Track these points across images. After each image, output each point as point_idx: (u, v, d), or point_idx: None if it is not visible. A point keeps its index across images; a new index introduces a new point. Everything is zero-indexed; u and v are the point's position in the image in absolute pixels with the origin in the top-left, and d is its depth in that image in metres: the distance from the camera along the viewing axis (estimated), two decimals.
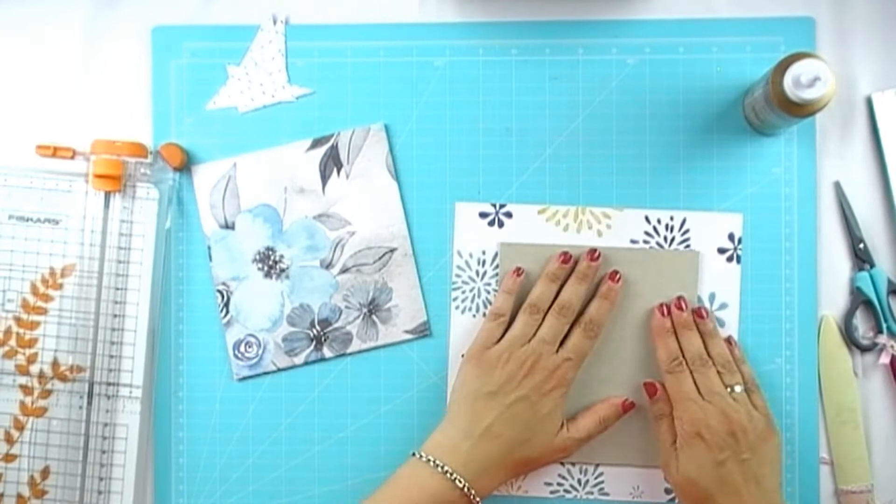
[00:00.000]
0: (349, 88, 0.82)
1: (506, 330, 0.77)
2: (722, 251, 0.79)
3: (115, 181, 0.81)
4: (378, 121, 0.82)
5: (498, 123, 0.82)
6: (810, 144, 0.81)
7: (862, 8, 0.82)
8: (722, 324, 0.79)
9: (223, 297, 0.82)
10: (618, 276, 0.78)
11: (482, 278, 0.80)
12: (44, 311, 0.81)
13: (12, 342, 0.81)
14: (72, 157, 0.80)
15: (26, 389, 0.81)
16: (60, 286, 0.81)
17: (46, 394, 0.81)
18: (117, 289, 0.81)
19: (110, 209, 0.81)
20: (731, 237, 0.79)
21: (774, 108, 0.73)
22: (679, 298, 0.78)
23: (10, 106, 0.84)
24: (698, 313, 0.78)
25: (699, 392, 0.75)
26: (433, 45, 0.82)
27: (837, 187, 0.81)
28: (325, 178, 0.82)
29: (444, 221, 0.82)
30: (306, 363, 0.82)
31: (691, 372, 0.76)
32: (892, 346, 0.80)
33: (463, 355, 0.79)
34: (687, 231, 0.79)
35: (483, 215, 0.80)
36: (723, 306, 0.79)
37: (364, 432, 0.81)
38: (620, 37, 0.82)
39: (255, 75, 0.82)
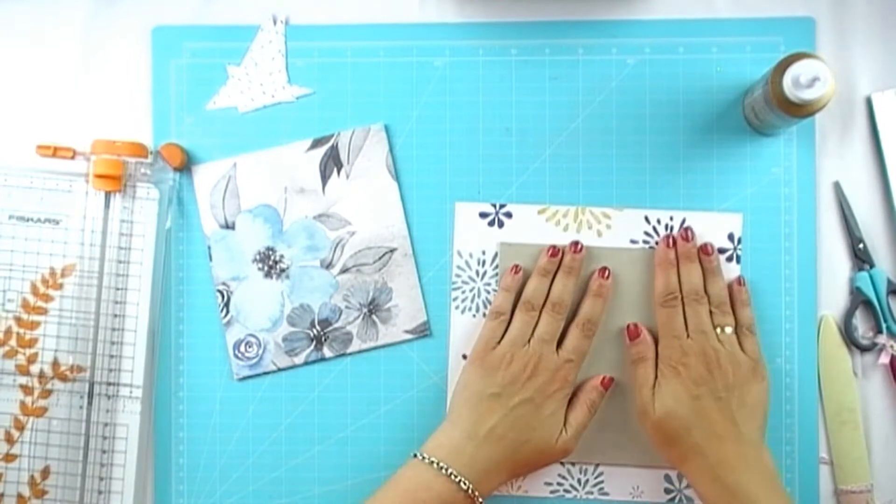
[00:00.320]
0: (349, 88, 0.82)
1: (507, 329, 0.78)
2: (722, 251, 0.79)
3: (116, 181, 0.81)
4: (378, 121, 0.82)
5: (498, 123, 0.82)
6: (810, 144, 0.81)
7: (862, 8, 0.82)
8: None
9: (223, 297, 0.82)
10: (607, 272, 0.78)
11: (482, 278, 0.80)
12: (44, 311, 0.81)
13: (12, 342, 0.81)
14: (72, 157, 0.80)
15: (26, 389, 0.81)
16: (60, 286, 0.81)
17: (46, 394, 0.81)
18: (117, 289, 0.81)
19: (110, 209, 0.81)
20: (730, 237, 0.79)
21: (774, 109, 0.73)
22: (686, 229, 0.79)
23: (10, 106, 0.84)
24: (704, 249, 0.78)
25: (686, 329, 0.76)
26: (433, 45, 0.82)
27: (837, 187, 0.81)
28: (325, 178, 0.82)
29: (444, 221, 0.82)
30: (306, 363, 0.82)
31: (684, 308, 0.76)
32: (891, 346, 0.80)
33: (465, 356, 0.79)
34: (687, 230, 0.79)
35: (483, 215, 0.80)
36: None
37: (364, 432, 0.81)
38: (620, 37, 0.82)
39: (255, 75, 0.82)
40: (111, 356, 0.81)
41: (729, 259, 0.80)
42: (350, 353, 0.82)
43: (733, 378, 0.74)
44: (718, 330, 0.76)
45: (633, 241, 0.80)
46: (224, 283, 0.82)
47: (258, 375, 0.82)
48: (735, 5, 0.82)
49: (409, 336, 0.82)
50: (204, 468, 0.82)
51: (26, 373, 0.81)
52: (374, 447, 0.81)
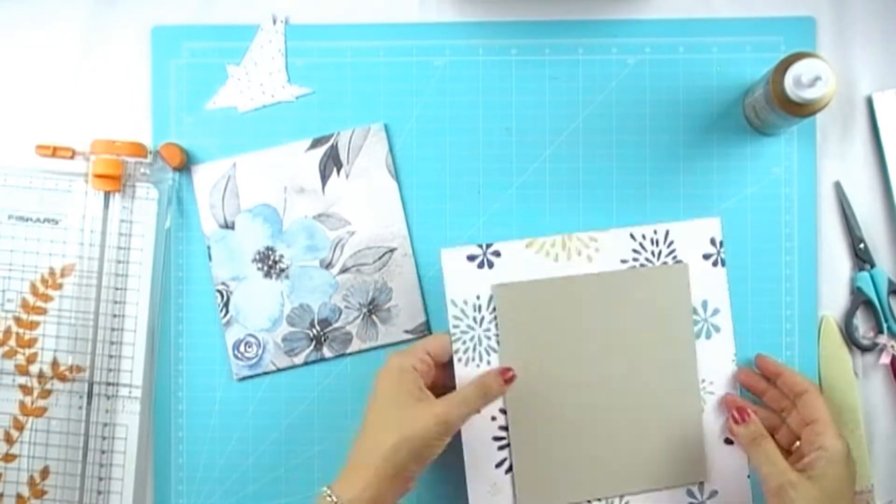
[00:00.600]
0: (349, 88, 0.82)
1: None
2: (707, 257, 0.78)
3: (115, 181, 0.81)
4: (378, 121, 0.82)
5: (498, 123, 0.82)
6: (810, 144, 0.81)
7: (862, 8, 0.82)
8: (717, 329, 0.78)
9: (223, 296, 0.82)
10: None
11: (481, 325, 0.76)
12: (43, 311, 0.81)
13: (12, 342, 0.81)
14: (71, 157, 0.80)
15: (26, 389, 0.81)
16: (60, 286, 0.81)
17: (46, 394, 0.81)
18: (117, 289, 0.81)
19: (110, 209, 0.81)
20: (712, 241, 0.79)
21: (775, 108, 0.73)
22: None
23: (10, 106, 0.84)
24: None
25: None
26: (433, 44, 0.82)
27: (837, 187, 0.81)
28: (324, 177, 0.82)
29: (444, 221, 0.82)
30: (306, 363, 0.82)
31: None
32: (892, 347, 0.80)
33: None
34: (672, 242, 0.78)
35: (471, 258, 0.77)
36: (715, 312, 0.79)
37: None
38: (620, 37, 0.82)
39: (254, 75, 0.82)
40: (110, 356, 0.81)
41: (714, 264, 0.78)
42: (350, 354, 0.82)
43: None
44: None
45: (623, 261, 0.78)
46: (223, 283, 0.82)
47: (258, 375, 0.82)
48: (735, 5, 0.82)
49: (409, 336, 0.81)
50: (204, 468, 0.82)
51: (26, 373, 0.81)
52: None
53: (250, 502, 0.82)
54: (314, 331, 0.82)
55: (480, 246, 0.77)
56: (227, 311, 0.82)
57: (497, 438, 0.77)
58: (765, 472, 0.71)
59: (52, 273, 0.81)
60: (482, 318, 0.76)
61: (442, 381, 0.75)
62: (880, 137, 0.80)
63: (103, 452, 0.81)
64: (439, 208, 0.82)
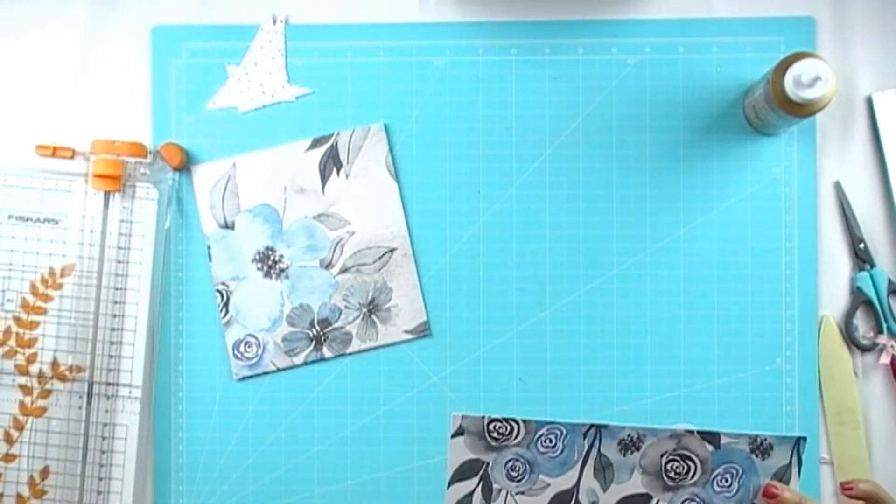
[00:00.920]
0: (349, 88, 0.82)
1: None
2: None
3: (115, 181, 0.80)
4: (378, 121, 0.82)
5: (498, 123, 0.82)
6: (810, 144, 0.81)
7: (862, 8, 0.82)
8: None
9: (223, 296, 0.82)
10: None
11: None
12: (43, 311, 0.81)
13: (12, 342, 0.81)
14: (71, 157, 0.80)
15: (26, 389, 0.81)
16: (60, 286, 0.81)
17: (46, 394, 0.81)
18: (117, 289, 0.81)
19: (110, 209, 0.81)
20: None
21: (775, 108, 0.73)
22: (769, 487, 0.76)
23: (10, 106, 0.84)
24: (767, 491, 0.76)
25: None
26: (433, 44, 0.82)
27: (837, 187, 0.81)
28: (324, 177, 0.82)
29: (444, 221, 0.82)
30: (306, 363, 0.82)
31: None
32: (892, 346, 0.80)
33: None
34: None
35: None
36: None
37: (364, 432, 0.81)
38: (620, 37, 0.82)
39: (254, 75, 0.82)
40: (110, 356, 0.81)
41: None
42: (350, 354, 0.82)
43: None
44: None
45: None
46: (223, 283, 0.82)
47: (258, 375, 0.82)
48: (735, 5, 0.82)
49: (408, 336, 0.81)
50: (204, 468, 0.82)
51: (25, 373, 0.81)
52: (374, 447, 0.81)
53: (250, 502, 0.82)
54: (314, 331, 0.82)
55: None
56: (227, 311, 0.82)
57: None
58: None
59: (52, 273, 0.81)
60: None
61: None
62: (880, 137, 0.80)
63: (103, 452, 0.81)
64: (439, 208, 0.82)
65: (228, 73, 0.83)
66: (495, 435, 0.79)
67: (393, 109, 0.82)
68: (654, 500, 0.79)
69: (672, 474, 0.79)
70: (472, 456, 0.79)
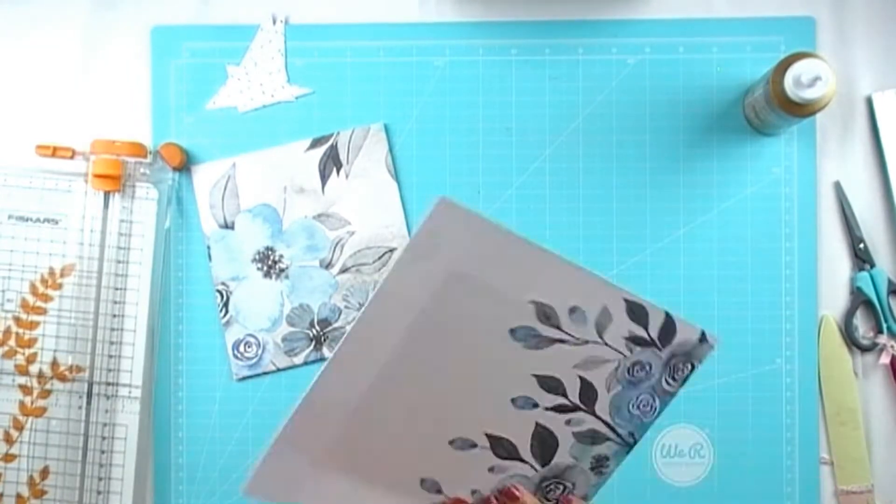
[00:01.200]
0: (349, 88, 0.82)
1: None
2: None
3: (115, 181, 0.80)
4: (378, 121, 0.82)
5: (498, 123, 0.82)
6: (810, 144, 0.81)
7: (862, 8, 0.82)
8: None
9: (223, 296, 0.82)
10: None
11: None
12: (43, 311, 0.81)
13: (12, 342, 0.81)
14: (71, 157, 0.80)
15: (26, 389, 0.81)
16: (60, 286, 0.81)
17: (46, 394, 0.81)
18: (117, 289, 0.81)
19: (110, 209, 0.81)
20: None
21: (775, 108, 0.73)
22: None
23: (10, 106, 0.84)
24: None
25: None
26: (433, 44, 0.82)
27: (837, 187, 0.81)
28: (324, 177, 0.82)
29: None
30: (306, 363, 0.82)
31: None
32: (892, 347, 0.80)
33: None
34: None
35: None
36: None
37: None
38: (620, 37, 0.82)
39: (254, 75, 0.82)
40: (110, 356, 0.81)
41: None
42: None
43: None
44: None
45: None
46: (223, 283, 0.82)
47: (257, 375, 0.82)
48: (735, 5, 0.82)
49: None
50: (204, 468, 0.82)
51: (25, 373, 0.81)
52: None
53: (250, 502, 0.82)
54: (314, 331, 0.82)
55: None
56: (226, 311, 0.82)
57: None
58: None
59: (52, 273, 0.81)
60: None
61: None
62: (880, 137, 0.80)
63: (103, 452, 0.81)
64: None
65: (228, 73, 0.83)
66: None
67: (393, 109, 0.82)
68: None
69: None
70: None
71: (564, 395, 0.57)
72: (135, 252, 0.82)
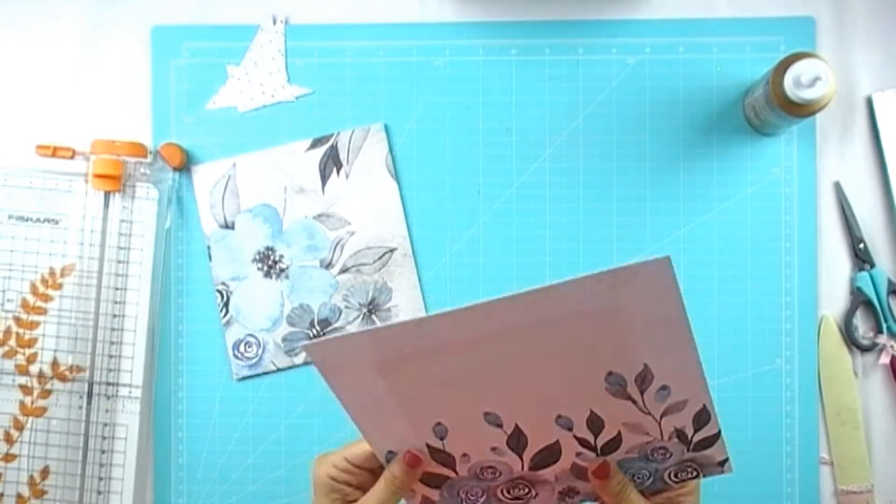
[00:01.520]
0: (349, 88, 0.82)
1: None
2: None
3: (115, 181, 0.80)
4: (378, 121, 0.82)
5: (498, 123, 0.82)
6: (810, 144, 0.81)
7: (862, 8, 0.82)
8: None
9: (223, 296, 0.82)
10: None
11: None
12: (43, 311, 0.81)
13: (12, 342, 0.81)
14: (71, 157, 0.80)
15: (26, 389, 0.81)
16: (60, 286, 0.81)
17: (46, 394, 0.81)
18: (117, 289, 0.81)
19: (110, 209, 0.81)
20: None
21: (775, 108, 0.73)
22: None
23: (10, 106, 0.84)
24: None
25: None
26: (433, 44, 0.82)
27: (837, 187, 0.81)
28: (324, 177, 0.82)
29: (444, 221, 0.82)
30: (306, 363, 0.82)
31: None
32: (892, 347, 0.80)
33: None
34: None
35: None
36: None
37: None
38: (620, 37, 0.82)
39: (254, 75, 0.82)
40: (110, 356, 0.81)
41: None
42: None
43: None
44: None
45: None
46: (223, 283, 0.82)
47: (258, 375, 0.82)
48: (735, 5, 0.82)
49: None
50: (204, 468, 0.82)
51: (26, 373, 0.81)
52: None
53: (250, 502, 0.82)
54: (314, 331, 0.82)
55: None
56: (227, 311, 0.82)
57: None
58: None
59: (52, 273, 0.81)
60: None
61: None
62: (880, 137, 0.80)
63: (103, 452, 0.81)
64: (439, 208, 0.82)
65: (228, 73, 0.83)
66: None
67: (393, 109, 0.82)
68: None
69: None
70: None
71: (596, 435, 0.59)
72: (135, 252, 0.82)
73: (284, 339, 0.82)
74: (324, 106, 0.82)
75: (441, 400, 0.59)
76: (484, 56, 0.82)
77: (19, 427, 0.81)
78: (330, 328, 0.82)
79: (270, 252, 0.82)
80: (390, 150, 0.82)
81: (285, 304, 0.82)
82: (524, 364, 0.57)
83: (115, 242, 0.81)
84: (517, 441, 0.60)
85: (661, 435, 0.59)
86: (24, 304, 0.81)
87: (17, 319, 0.81)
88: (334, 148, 0.82)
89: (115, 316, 0.81)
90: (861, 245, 0.81)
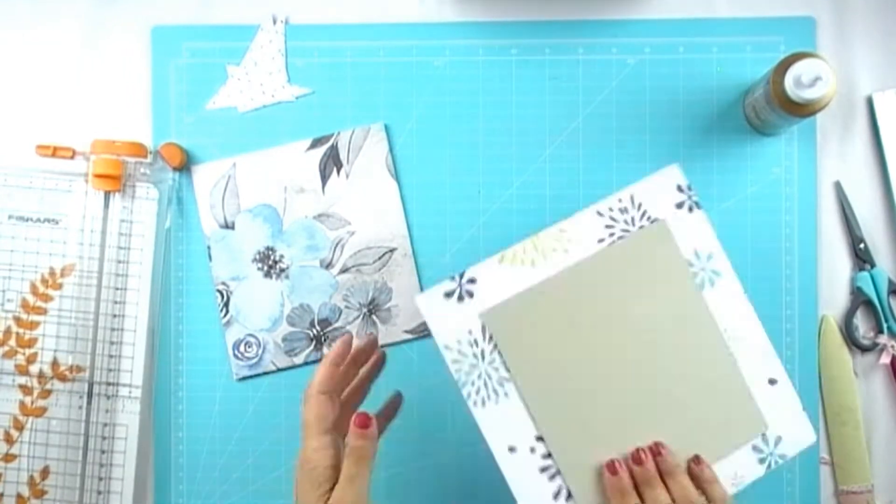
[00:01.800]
0: (349, 88, 0.82)
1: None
2: (679, 205, 0.71)
3: (115, 181, 0.81)
4: (378, 121, 0.82)
5: (498, 123, 0.82)
6: (810, 144, 0.81)
7: (862, 8, 0.82)
8: (718, 273, 0.70)
9: (223, 296, 0.82)
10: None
11: (483, 359, 0.68)
12: (43, 311, 0.81)
13: (12, 342, 0.81)
14: (71, 157, 0.80)
15: (26, 389, 0.81)
16: (60, 286, 0.81)
17: (46, 394, 0.81)
18: (117, 289, 0.81)
19: (110, 209, 0.81)
20: (679, 188, 0.71)
21: (775, 108, 0.73)
22: (638, 450, 0.67)
23: (10, 106, 0.84)
24: (656, 451, 0.67)
25: None
26: (433, 44, 0.82)
27: (837, 187, 0.81)
28: (324, 177, 0.82)
29: (444, 221, 0.82)
30: (306, 363, 0.82)
31: None
32: (892, 347, 0.80)
33: (511, 448, 0.68)
34: (640, 204, 0.71)
35: (448, 295, 0.68)
36: (709, 257, 0.70)
37: None
38: (620, 37, 0.82)
39: (254, 75, 0.82)
40: (110, 356, 0.81)
41: (689, 209, 0.70)
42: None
43: None
44: None
45: (600, 241, 0.70)
46: (224, 283, 0.82)
47: (258, 375, 0.82)
48: (735, 5, 0.82)
49: (409, 336, 0.81)
50: (204, 468, 0.82)
51: (26, 373, 0.81)
52: None
53: (250, 502, 0.82)
54: (314, 331, 0.82)
55: (454, 278, 0.69)
56: (227, 311, 0.82)
57: (544, 469, 0.69)
58: None
59: (52, 273, 0.81)
60: (482, 352, 0.68)
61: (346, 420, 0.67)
62: (880, 137, 0.80)
63: (103, 452, 0.81)
64: (439, 208, 0.82)
65: (228, 73, 0.83)
66: None
67: (393, 109, 0.82)
68: None
69: None
70: None
71: None
72: (135, 252, 0.82)
73: (284, 339, 0.82)
74: (324, 106, 0.82)
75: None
76: (484, 56, 0.82)
77: (19, 427, 0.81)
78: (330, 328, 0.82)
79: (270, 252, 0.82)
80: (390, 149, 0.82)
81: (285, 304, 0.82)
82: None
83: (115, 242, 0.81)
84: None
85: None
86: (24, 304, 0.81)
87: (17, 319, 0.81)
88: (334, 148, 0.82)
89: (115, 316, 0.81)
90: (861, 245, 0.81)
